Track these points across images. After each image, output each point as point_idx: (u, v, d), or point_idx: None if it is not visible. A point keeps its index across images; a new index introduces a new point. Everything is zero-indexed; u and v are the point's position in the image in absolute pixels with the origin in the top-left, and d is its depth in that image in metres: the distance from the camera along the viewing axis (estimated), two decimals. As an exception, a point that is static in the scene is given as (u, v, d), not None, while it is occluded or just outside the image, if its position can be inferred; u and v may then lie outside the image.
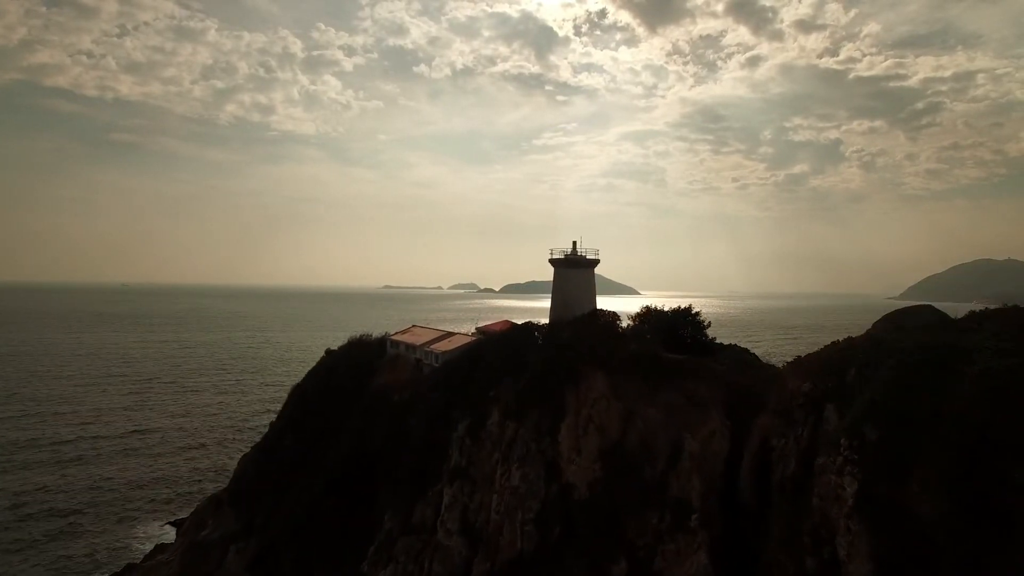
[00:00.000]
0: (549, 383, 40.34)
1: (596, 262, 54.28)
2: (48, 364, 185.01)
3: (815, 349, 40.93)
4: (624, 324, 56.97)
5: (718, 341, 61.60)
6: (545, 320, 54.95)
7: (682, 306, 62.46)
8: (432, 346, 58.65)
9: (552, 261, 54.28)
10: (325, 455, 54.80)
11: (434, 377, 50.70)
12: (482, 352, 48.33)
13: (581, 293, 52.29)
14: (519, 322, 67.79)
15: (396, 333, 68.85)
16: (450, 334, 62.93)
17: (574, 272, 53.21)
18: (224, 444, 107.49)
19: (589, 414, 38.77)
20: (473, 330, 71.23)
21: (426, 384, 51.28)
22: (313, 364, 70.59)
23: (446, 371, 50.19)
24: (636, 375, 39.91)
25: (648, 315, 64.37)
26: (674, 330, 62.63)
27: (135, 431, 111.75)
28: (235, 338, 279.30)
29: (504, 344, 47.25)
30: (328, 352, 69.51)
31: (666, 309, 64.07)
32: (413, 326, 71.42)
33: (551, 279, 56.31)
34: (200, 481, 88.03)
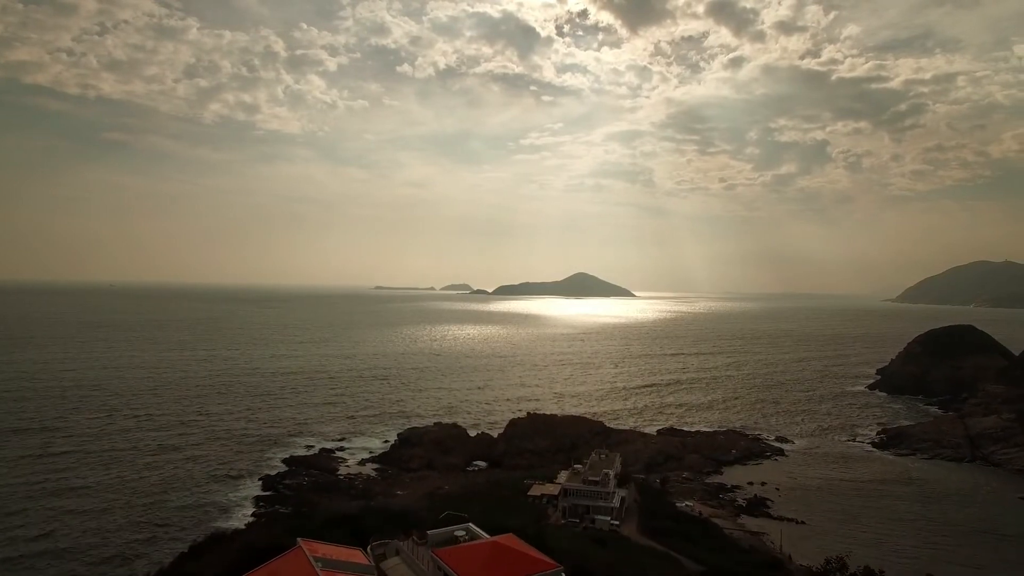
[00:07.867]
0: None
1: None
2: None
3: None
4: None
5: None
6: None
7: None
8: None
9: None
10: None
11: None
12: None
13: None
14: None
15: (273, 562, 46.04)
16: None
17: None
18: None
19: None
20: (430, 551, 48.05)
21: None
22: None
23: None
24: None
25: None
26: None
27: None
28: (198, 369, 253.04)
29: None
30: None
31: None
32: (301, 542, 47.96)
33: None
34: None
